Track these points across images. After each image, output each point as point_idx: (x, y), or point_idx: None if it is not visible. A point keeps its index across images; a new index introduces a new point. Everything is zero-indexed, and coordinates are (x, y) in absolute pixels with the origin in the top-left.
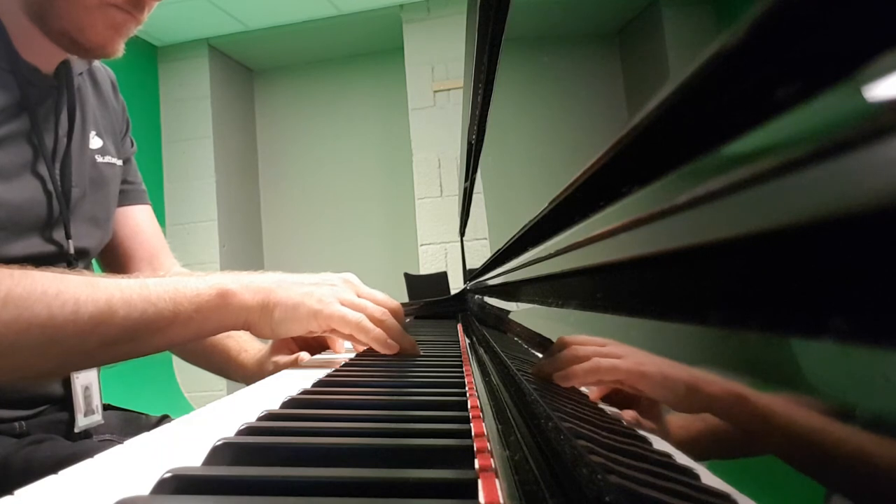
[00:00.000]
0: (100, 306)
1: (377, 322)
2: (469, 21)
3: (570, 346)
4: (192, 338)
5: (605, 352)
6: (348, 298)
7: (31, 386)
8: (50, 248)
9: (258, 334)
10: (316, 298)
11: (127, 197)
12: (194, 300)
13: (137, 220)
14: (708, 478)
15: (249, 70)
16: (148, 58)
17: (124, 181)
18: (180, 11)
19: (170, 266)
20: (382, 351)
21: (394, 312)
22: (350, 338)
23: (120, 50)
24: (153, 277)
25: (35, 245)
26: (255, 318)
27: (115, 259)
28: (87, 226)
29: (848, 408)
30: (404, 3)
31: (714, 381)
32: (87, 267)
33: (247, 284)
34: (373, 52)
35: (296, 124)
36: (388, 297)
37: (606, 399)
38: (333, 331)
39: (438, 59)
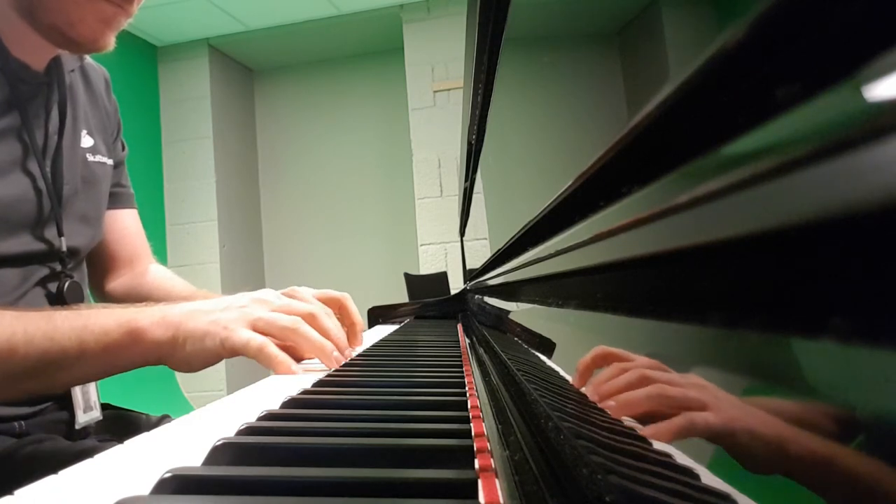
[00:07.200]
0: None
1: (289, 331)
2: (469, 21)
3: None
4: (102, 374)
5: (701, 401)
6: (257, 316)
7: None
8: (41, 246)
9: (176, 369)
10: (222, 325)
11: (117, 200)
12: (101, 339)
13: (125, 224)
14: (708, 478)
15: (249, 70)
16: (148, 58)
17: (115, 184)
18: (180, 11)
19: (146, 267)
20: (290, 373)
21: (308, 318)
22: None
23: (111, 44)
24: (66, 311)
25: (26, 243)
26: (167, 353)
27: (99, 260)
28: (79, 224)
29: (849, 409)
30: (404, 3)
31: (802, 442)
32: (79, 265)
33: (158, 320)
34: (373, 52)
35: (296, 124)
36: (307, 303)
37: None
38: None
39: (438, 59)
